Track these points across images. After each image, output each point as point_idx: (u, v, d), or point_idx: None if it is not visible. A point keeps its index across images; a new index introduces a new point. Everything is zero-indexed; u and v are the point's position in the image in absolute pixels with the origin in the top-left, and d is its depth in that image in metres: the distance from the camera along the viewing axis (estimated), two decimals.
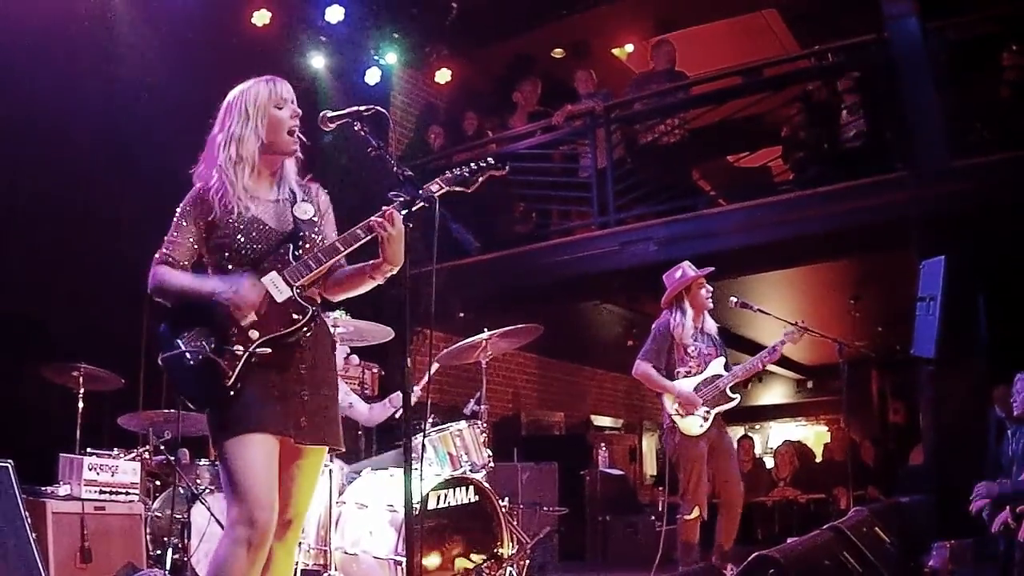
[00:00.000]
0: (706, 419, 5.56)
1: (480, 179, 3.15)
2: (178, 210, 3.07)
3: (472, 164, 3.17)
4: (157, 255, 3.04)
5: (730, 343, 6.26)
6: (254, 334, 2.90)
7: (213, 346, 2.89)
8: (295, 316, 2.96)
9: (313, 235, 3.11)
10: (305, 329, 2.98)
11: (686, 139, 8.50)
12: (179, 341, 2.91)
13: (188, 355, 2.88)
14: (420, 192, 2.89)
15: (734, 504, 5.63)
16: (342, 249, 3.02)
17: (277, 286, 2.96)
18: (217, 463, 3.00)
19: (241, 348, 2.89)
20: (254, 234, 3.00)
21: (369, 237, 3.02)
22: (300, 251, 3.03)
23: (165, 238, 3.06)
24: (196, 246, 3.06)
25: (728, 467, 5.68)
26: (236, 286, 2.91)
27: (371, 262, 3.06)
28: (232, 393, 2.87)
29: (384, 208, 2.93)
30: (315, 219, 3.14)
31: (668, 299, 5.79)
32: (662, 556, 5.82)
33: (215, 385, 2.87)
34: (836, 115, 7.77)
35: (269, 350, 2.92)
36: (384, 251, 2.99)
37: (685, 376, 5.65)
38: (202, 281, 3.01)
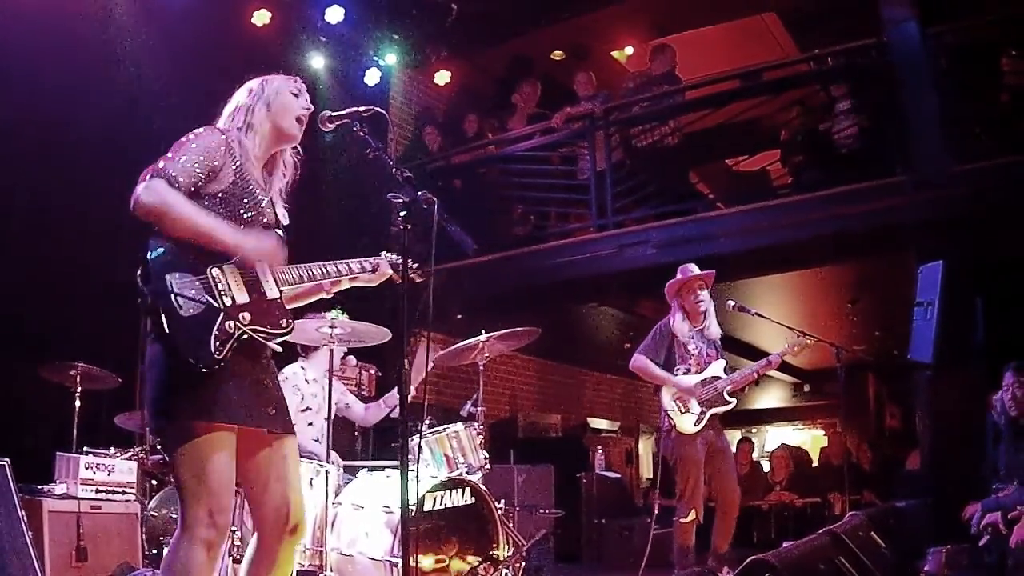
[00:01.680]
0: (701, 418, 5.57)
1: (410, 276, 3.18)
2: (191, 137, 2.82)
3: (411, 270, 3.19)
4: (154, 169, 2.72)
5: (728, 347, 6.26)
6: (245, 316, 2.74)
7: (206, 305, 2.65)
8: (283, 322, 2.87)
9: (287, 241, 3.08)
10: (285, 337, 2.90)
11: (685, 142, 8.51)
12: (170, 280, 2.63)
13: (180, 301, 2.61)
14: (420, 195, 2.90)
15: (730, 506, 5.64)
16: (318, 277, 3.05)
17: (268, 280, 2.89)
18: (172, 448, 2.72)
19: (232, 325, 2.69)
20: (251, 207, 2.91)
21: (342, 276, 3.11)
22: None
23: (167, 156, 2.76)
24: (198, 184, 2.77)
25: (724, 469, 5.69)
26: (260, 238, 2.83)
27: (352, 275, 3.16)
28: (217, 367, 2.64)
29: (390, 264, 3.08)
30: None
31: (668, 298, 5.83)
32: (649, 558, 5.81)
33: (204, 349, 2.61)
34: (832, 119, 7.78)
35: (265, 340, 2.81)
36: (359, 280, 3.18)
37: (684, 374, 5.68)
38: (221, 224, 2.76)
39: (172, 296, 2.61)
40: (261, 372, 2.88)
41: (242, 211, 2.87)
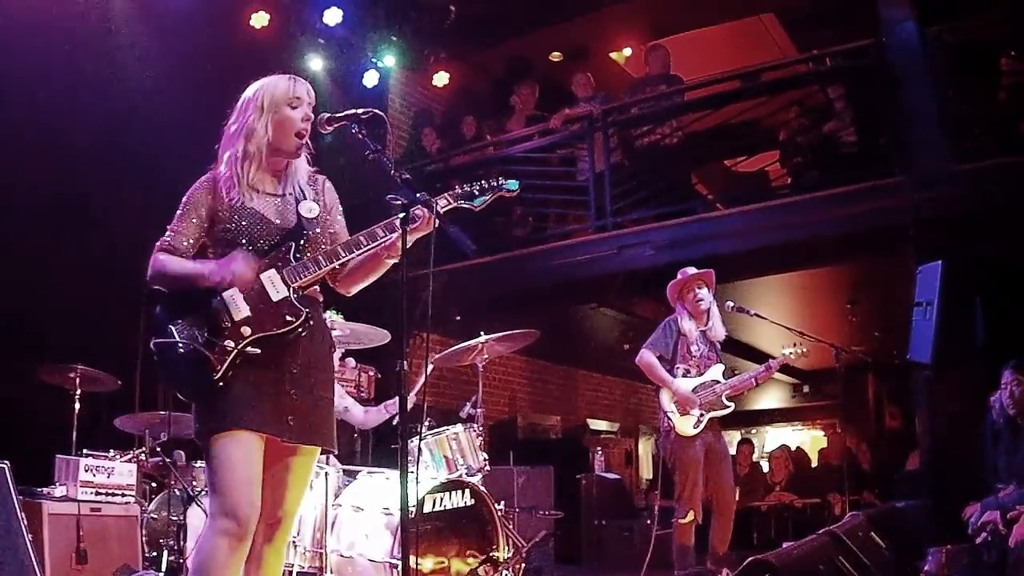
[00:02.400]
0: (700, 421, 5.58)
1: (488, 199, 3.16)
2: (185, 198, 3.03)
3: (483, 183, 3.16)
4: (159, 243, 3.00)
5: (727, 348, 6.26)
6: (246, 330, 2.88)
7: (204, 338, 2.86)
8: (288, 318, 2.93)
9: (317, 234, 3.08)
10: (301, 330, 2.94)
11: (684, 143, 8.51)
12: (172, 328, 2.88)
13: (180, 344, 2.85)
14: (419, 196, 2.89)
15: (727, 508, 5.65)
16: (344, 255, 3.00)
17: (275, 284, 2.94)
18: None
19: (232, 343, 2.85)
20: (256, 229, 2.98)
21: (373, 246, 3.02)
22: (302, 250, 3.01)
23: (169, 226, 3.02)
24: (200, 236, 3.02)
25: (721, 472, 5.69)
26: (227, 265, 2.91)
27: (383, 241, 3.03)
28: (220, 387, 2.84)
29: (415, 211, 2.90)
30: (319, 217, 3.11)
31: (671, 302, 5.84)
32: (651, 559, 5.82)
33: (202, 377, 2.84)
34: (831, 119, 7.79)
35: (259, 350, 2.89)
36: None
37: (684, 375, 5.69)
38: (198, 264, 2.98)
39: (174, 343, 2.86)
40: (284, 382, 2.95)
41: (247, 237, 2.97)
